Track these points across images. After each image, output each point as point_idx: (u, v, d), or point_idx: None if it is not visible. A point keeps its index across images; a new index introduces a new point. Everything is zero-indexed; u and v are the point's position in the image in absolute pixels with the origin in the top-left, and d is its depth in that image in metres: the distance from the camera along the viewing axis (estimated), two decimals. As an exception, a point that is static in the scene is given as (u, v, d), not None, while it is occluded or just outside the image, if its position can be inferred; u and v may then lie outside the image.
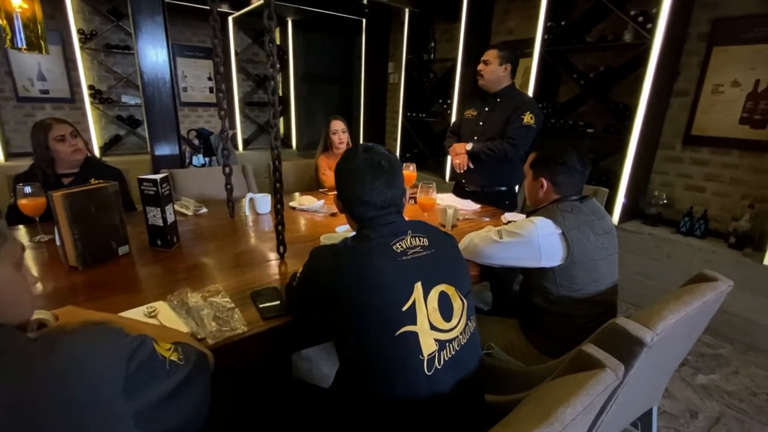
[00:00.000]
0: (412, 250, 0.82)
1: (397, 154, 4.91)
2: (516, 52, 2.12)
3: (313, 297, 0.87)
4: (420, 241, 0.84)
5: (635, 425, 1.35)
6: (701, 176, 2.62)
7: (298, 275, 0.91)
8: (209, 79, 5.38)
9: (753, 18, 2.28)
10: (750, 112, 2.36)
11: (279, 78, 5.72)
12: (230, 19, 5.03)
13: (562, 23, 2.92)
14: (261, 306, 0.99)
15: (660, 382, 1.25)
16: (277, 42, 5.55)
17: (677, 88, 2.66)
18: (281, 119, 5.84)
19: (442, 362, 0.78)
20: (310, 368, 1.92)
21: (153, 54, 2.70)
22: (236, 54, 5.22)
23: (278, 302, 1.01)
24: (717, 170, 2.55)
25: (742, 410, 1.75)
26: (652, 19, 2.42)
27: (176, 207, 1.87)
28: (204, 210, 1.85)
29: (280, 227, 1.26)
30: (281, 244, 1.28)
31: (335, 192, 0.94)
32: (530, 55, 3.17)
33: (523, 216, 1.52)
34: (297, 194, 2.20)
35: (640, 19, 2.50)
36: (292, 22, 5.25)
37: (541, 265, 1.17)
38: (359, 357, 0.79)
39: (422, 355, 0.76)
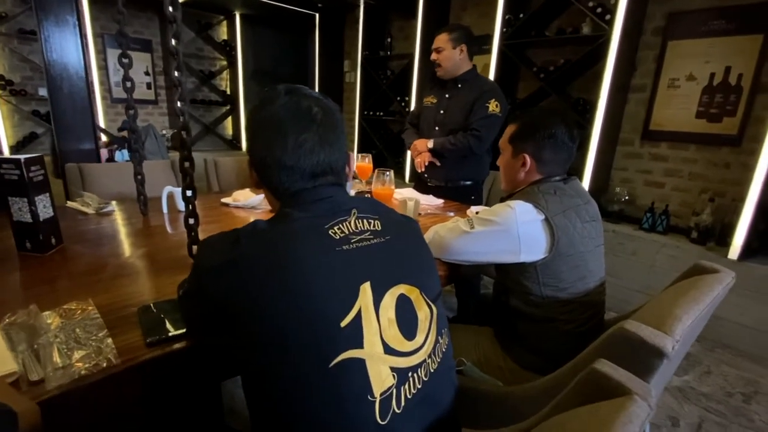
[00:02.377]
0: (358, 237, 0.57)
1: (355, 155, 4.66)
2: (468, 30, 1.93)
3: (205, 311, 0.59)
4: (370, 224, 0.60)
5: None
6: (660, 172, 2.59)
7: (187, 279, 0.62)
8: (146, 73, 4.90)
9: (706, 12, 2.28)
10: (706, 106, 2.35)
11: (227, 75, 5.33)
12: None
13: (521, 16, 2.84)
14: (146, 327, 0.70)
15: (657, 396, 1.08)
16: (224, 37, 5.19)
17: (634, 83, 2.63)
18: (229, 119, 5.44)
19: (402, 403, 0.52)
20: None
21: (60, 38, 2.30)
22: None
23: (175, 320, 0.72)
24: (676, 165, 2.52)
25: (721, 413, 1.65)
26: (610, 10, 2.37)
27: (74, 205, 1.51)
28: (111, 208, 1.50)
29: (191, 221, 0.96)
30: (194, 242, 0.98)
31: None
32: (488, 51, 3.08)
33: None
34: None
35: (599, 10, 2.45)
36: (240, 15, 4.91)
37: (520, 259, 0.96)
38: (275, 403, 0.52)
39: (373, 395, 0.50)
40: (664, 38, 2.45)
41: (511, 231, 0.93)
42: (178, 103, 0.99)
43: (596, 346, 0.77)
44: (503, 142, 1.09)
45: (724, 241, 2.18)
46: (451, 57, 1.90)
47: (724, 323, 2.14)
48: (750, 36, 2.16)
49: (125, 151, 2.86)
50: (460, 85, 1.97)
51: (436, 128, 2.03)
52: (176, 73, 0.92)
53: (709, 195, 2.32)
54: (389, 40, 4.13)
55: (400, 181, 3.76)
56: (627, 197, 2.65)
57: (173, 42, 0.94)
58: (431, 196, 1.92)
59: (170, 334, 0.69)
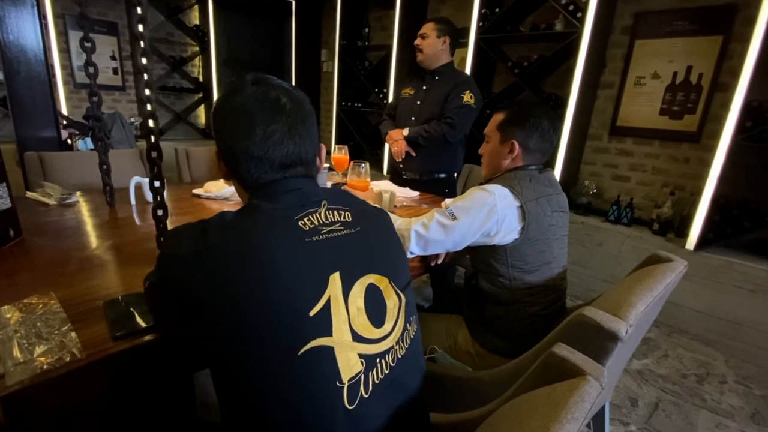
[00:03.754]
0: (328, 228, 0.58)
1: (333, 146, 4.61)
2: (455, 26, 1.97)
3: (172, 302, 0.58)
4: (340, 215, 0.60)
5: (587, 425, 1.23)
6: (626, 166, 2.70)
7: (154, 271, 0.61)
8: (113, 58, 4.67)
9: (671, 12, 2.38)
10: (669, 104, 2.46)
11: (199, 62, 5.16)
12: (137, -10, 4.39)
13: (497, 10, 2.87)
14: (113, 320, 0.69)
15: (615, 378, 1.14)
16: (196, 22, 5.00)
17: (603, 80, 2.72)
18: (202, 107, 5.28)
19: (370, 388, 0.54)
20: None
21: (17, 18, 2.17)
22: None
23: (143, 312, 0.71)
24: (640, 160, 2.64)
25: (676, 393, 1.76)
26: (582, 7, 2.43)
27: (34, 195, 1.45)
28: (74, 199, 1.44)
29: (160, 212, 0.94)
30: (162, 235, 0.96)
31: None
32: (465, 45, 3.10)
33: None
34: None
35: (571, 8, 2.51)
36: (213, 0, 4.74)
37: (494, 242, 1.00)
38: (245, 392, 0.52)
39: (341, 381, 0.52)
40: (632, 37, 2.54)
41: (491, 215, 0.96)
42: (146, 91, 0.97)
43: (558, 331, 0.81)
44: (490, 129, 1.11)
45: (683, 232, 2.30)
46: (434, 45, 1.93)
47: (681, 310, 2.27)
48: (710, 37, 2.27)
49: (89, 140, 2.73)
50: (437, 77, 1.99)
51: (413, 118, 2.05)
52: (144, 60, 0.89)
53: (670, 189, 2.44)
54: (367, 30, 4.09)
55: (378, 174, 3.77)
56: (595, 190, 2.75)
57: (140, 27, 0.91)
58: (407, 188, 1.94)
59: (138, 327, 0.68)
